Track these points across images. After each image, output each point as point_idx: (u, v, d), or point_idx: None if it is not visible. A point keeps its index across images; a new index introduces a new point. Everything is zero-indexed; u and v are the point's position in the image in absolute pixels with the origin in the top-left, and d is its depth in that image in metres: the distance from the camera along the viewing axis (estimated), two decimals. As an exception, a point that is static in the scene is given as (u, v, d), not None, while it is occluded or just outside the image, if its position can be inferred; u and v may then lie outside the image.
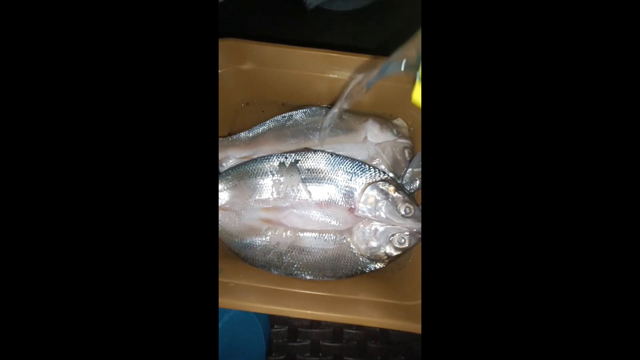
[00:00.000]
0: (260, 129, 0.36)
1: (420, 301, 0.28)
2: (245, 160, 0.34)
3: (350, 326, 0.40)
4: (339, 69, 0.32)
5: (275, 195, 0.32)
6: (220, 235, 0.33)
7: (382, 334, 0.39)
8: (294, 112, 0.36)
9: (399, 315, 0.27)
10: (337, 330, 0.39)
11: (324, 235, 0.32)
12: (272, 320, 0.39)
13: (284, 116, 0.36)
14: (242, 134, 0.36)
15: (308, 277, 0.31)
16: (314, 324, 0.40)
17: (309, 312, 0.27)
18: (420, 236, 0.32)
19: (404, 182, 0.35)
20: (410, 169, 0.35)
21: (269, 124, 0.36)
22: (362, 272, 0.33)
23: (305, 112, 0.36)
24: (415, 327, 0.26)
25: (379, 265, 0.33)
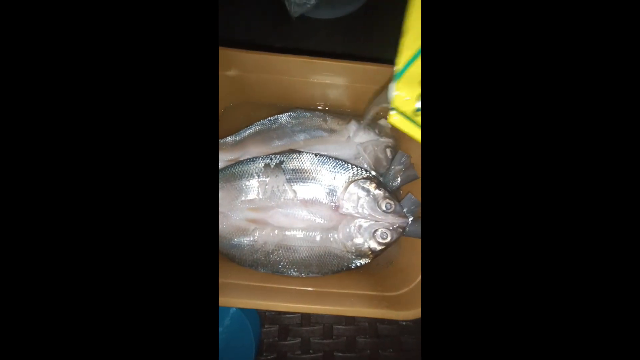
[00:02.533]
0: (246, 133, 0.37)
1: (402, 291, 0.30)
2: (232, 163, 0.35)
3: (339, 322, 0.40)
4: (320, 74, 0.34)
5: (261, 196, 0.33)
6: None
7: (371, 329, 0.40)
8: (279, 116, 0.38)
9: (381, 305, 0.28)
10: (327, 327, 0.40)
11: (310, 233, 0.33)
12: (263, 320, 0.40)
13: (270, 119, 0.38)
14: (229, 138, 0.37)
15: (294, 274, 0.32)
16: (304, 321, 0.40)
17: (297, 305, 0.27)
18: (401, 231, 0.33)
19: (386, 179, 0.36)
20: (392, 167, 0.36)
21: (254, 127, 0.37)
22: (348, 268, 0.34)
23: (290, 115, 0.38)
24: (395, 314, 0.27)
25: (364, 261, 0.34)
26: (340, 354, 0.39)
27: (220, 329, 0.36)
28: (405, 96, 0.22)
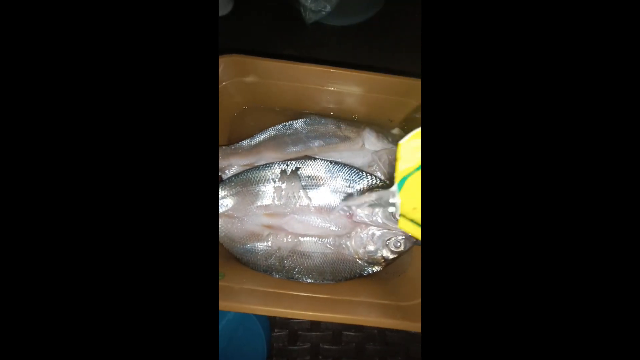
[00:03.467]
0: (261, 137, 0.37)
1: (415, 301, 0.30)
2: (248, 167, 0.36)
3: (349, 329, 0.40)
4: (336, 83, 0.34)
5: (276, 202, 0.34)
6: (223, 241, 0.34)
7: (380, 336, 0.40)
8: (294, 121, 0.38)
9: (395, 315, 0.28)
10: (336, 332, 0.40)
11: (323, 240, 0.33)
12: (273, 324, 0.40)
13: (285, 125, 0.38)
14: (244, 142, 0.37)
15: (309, 280, 0.32)
16: (314, 327, 0.40)
17: (309, 313, 0.28)
18: (414, 240, 0.33)
19: (399, 188, 0.36)
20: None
21: (269, 132, 0.38)
22: (361, 276, 0.34)
23: (305, 121, 0.38)
24: (411, 325, 0.27)
25: (376, 269, 0.34)
26: (348, 360, 0.39)
27: (231, 333, 0.36)
28: (408, 204, 0.26)
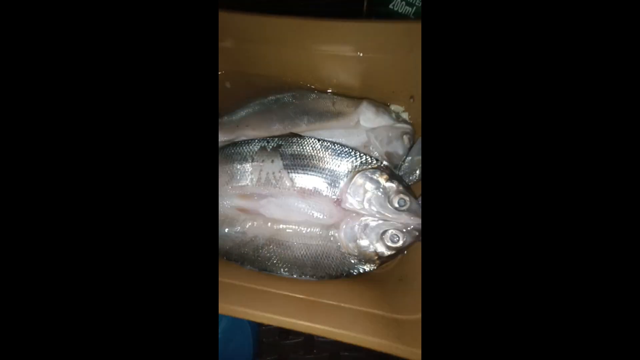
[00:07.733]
0: (243, 112, 0.32)
1: (415, 315, 0.22)
2: (225, 144, 0.31)
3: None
4: (323, 41, 0.27)
5: (254, 182, 0.28)
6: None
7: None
8: (280, 95, 0.32)
9: (388, 331, 0.21)
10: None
11: (307, 229, 0.27)
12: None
13: (271, 99, 0.32)
14: (225, 118, 0.32)
15: (284, 273, 0.27)
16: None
17: (281, 318, 0.22)
18: (417, 234, 0.26)
19: (402, 172, 0.29)
20: (409, 157, 0.29)
21: (253, 106, 0.32)
22: (349, 274, 0.27)
23: (292, 95, 0.32)
24: (407, 351, 0.19)
25: (368, 267, 0.27)
26: (346, 353, 0.34)
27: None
28: None
